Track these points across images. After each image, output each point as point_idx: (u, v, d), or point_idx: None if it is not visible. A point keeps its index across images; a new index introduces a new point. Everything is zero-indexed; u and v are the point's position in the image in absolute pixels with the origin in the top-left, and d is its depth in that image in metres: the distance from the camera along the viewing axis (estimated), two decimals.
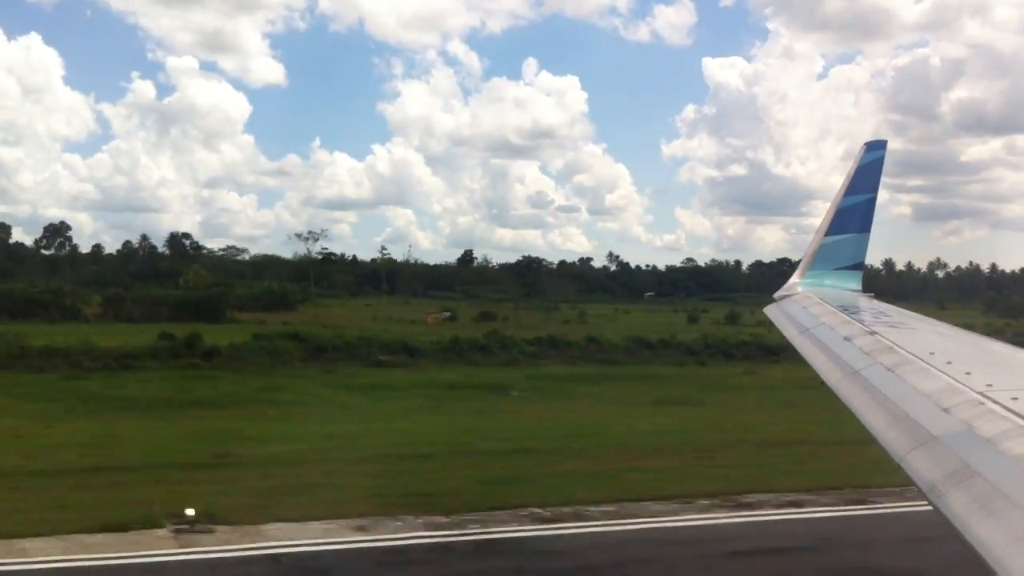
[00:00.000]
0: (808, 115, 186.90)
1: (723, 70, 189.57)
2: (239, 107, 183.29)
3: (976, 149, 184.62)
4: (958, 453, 3.96)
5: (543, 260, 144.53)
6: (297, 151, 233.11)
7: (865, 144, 11.68)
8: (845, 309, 7.73)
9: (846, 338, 6.18)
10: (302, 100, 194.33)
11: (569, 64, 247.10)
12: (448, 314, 77.54)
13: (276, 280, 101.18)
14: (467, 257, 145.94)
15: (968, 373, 4.70)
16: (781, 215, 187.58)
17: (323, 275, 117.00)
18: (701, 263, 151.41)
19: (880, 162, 11.40)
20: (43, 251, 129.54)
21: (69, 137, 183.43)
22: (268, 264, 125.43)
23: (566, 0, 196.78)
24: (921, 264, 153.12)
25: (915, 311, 8.72)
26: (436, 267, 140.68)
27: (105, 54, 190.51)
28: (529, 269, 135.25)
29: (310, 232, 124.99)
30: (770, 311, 10.06)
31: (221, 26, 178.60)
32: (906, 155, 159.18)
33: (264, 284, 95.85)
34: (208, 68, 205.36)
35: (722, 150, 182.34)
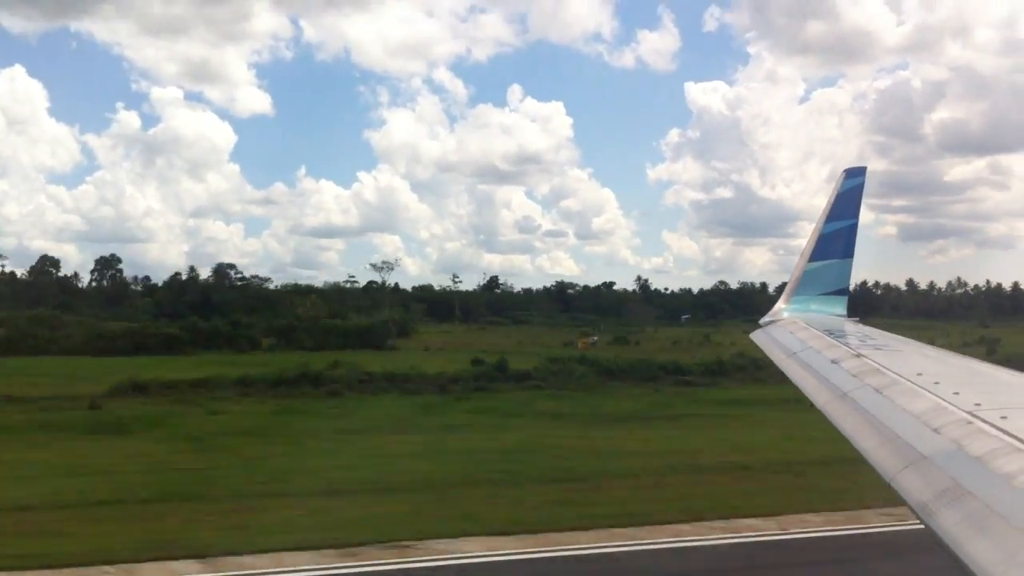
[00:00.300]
0: (792, 138, 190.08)
1: (706, 94, 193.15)
2: (225, 136, 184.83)
3: (960, 169, 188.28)
4: (948, 472, 3.97)
5: (575, 284, 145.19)
6: (284, 179, 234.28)
7: (844, 171, 11.81)
8: (831, 333, 7.77)
9: (833, 361, 6.20)
10: (288, 129, 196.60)
11: (554, 90, 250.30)
12: (595, 339, 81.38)
13: (353, 309, 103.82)
14: (492, 284, 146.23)
15: (956, 393, 4.72)
16: (768, 236, 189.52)
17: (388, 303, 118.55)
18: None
19: (860, 188, 11.53)
20: (93, 283, 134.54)
21: (55, 168, 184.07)
22: (347, 293, 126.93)
23: (550, 26, 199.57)
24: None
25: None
26: (471, 293, 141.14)
27: (90, 85, 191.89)
28: (564, 294, 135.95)
29: (384, 262, 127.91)
30: (756, 336, 10.09)
31: (207, 56, 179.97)
32: (890, 176, 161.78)
33: (385, 313, 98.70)
34: (194, 98, 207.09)
35: (707, 173, 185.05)
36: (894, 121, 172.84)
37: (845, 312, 10.90)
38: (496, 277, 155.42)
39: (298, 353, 64.70)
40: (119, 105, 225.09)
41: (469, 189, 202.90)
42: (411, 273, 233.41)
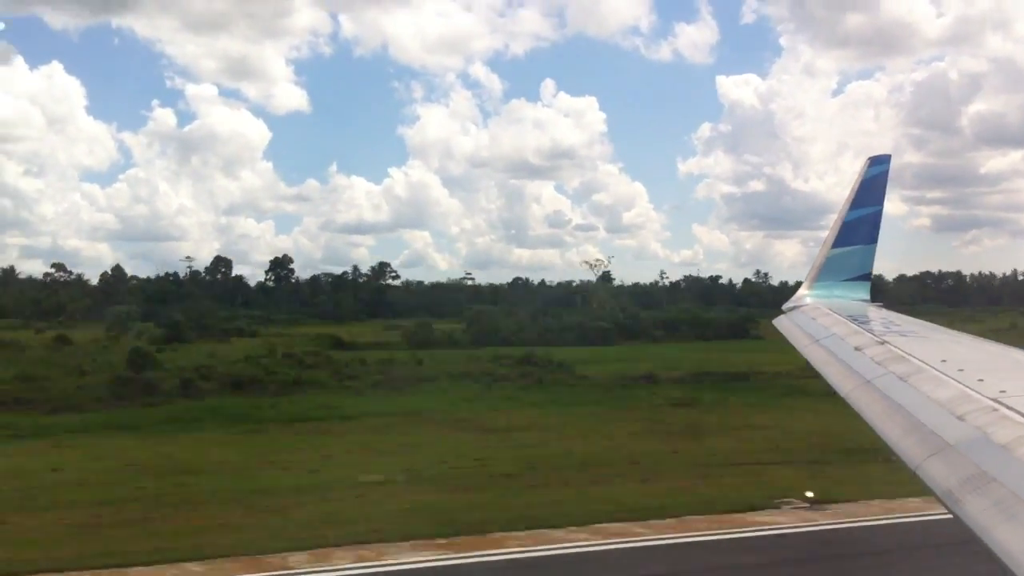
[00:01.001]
0: (826, 130, 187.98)
1: (739, 88, 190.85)
2: (259, 133, 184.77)
3: (995, 161, 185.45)
4: (973, 459, 3.97)
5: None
6: (316, 176, 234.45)
7: (869, 159, 11.77)
8: (854, 319, 7.75)
9: (857, 348, 6.19)
10: (322, 125, 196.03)
11: (587, 85, 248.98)
12: None
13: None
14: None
15: (981, 380, 4.71)
16: (799, 229, 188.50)
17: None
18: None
19: (884, 175, 11.49)
20: (267, 284, 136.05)
21: (92, 167, 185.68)
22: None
23: (588, 20, 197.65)
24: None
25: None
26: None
27: (128, 82, 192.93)
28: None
29: (597, 259, 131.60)
30: (779, 322, 10.08)
31: (247, 52, 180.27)
32: (925, 168, 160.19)
33: (680, 309, 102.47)
34: (231, 95, 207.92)
35: (739, 166, 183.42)
36: (930, 114, 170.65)
37: (868, 297, 10.87)
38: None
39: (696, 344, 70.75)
40: (155, 103, 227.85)
41: (499, 184, 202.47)
42: (440, 268, 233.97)
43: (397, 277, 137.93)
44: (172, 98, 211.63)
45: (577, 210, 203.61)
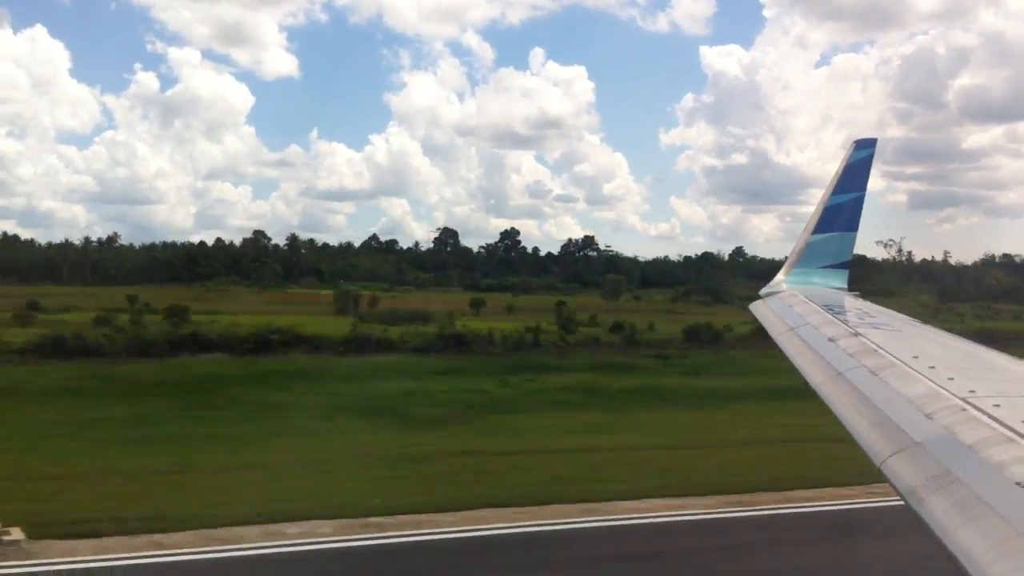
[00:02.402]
0: (811, 103, 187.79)
1: (722, 58, 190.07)
2: (244, 99, 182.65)
3: (977, 137, 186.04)
4: (939, 459, 3.96)
5: None
6: (299, 142, 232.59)
7: (855, 142, 11.68)
8: (830, 308, 7.74)
9: (830, 339, 6.18)
10: (310, 92, 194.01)
11: (577, 54, 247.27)
12: None
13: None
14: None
15: (951, 378, 4.70)
16: (777, 203, 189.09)
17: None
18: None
19: (869, 160, 11.41)
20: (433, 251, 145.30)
21: (75, 129, 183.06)
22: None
23: None
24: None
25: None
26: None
27: (117, 46, 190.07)
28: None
29: (890, 240, 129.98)
30: (756, 308, 10.06)
31: (241, 18, 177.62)
32: (907, 143, 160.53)
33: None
34: (222, 60, 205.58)
35: (721, 139, 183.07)
36: (916, 87, 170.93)
37: (846, 286, 10.85)
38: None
39: None
40: (137, 66, 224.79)
41: (481, 153, 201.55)
42: (417, 237, 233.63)
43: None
44: (157, 62, 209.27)
45: (557, 181, 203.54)
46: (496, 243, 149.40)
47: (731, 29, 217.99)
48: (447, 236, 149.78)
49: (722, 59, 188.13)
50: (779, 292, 10.21)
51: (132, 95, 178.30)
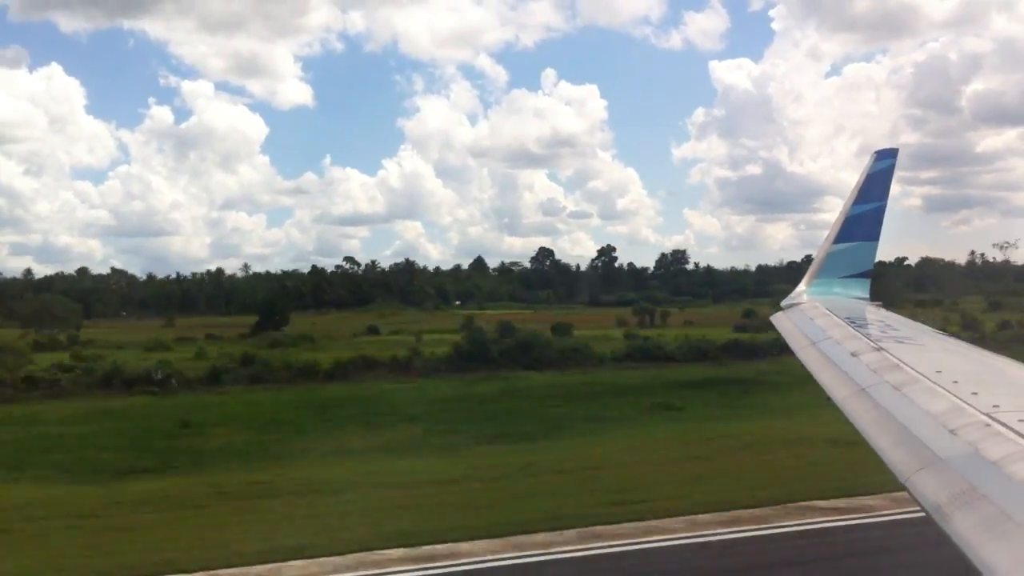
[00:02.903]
0: (825, 113, 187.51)
1: (733, 72, 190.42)
2: (258, 129, 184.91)
3: (991, 140, 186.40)
4: (964, 475, 3.97)
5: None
6: (314, 169, 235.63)
7: (876, 152, 11.67)
8: (852, 321, 7.73)
9: (853, 354, 6.18)
10: (324, 120, 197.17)
11: (589, 73, 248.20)
12: None
13: None
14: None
15: (975, 393, 4.70)
16: (792, 212, 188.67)
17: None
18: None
19: (891, 170, 11.39)
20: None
21: (92, 165, 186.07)
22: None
23: (598, 10, 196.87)
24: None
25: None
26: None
27: (132, 81, 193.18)
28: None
29: (1006, 243, 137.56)
30: (777, 320, 10.04)
31: (258, 51, 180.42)
32: (922, 148, 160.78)
33: None
34: (237, 92, 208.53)
35: (734, 151, 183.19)
36: (930, 93, 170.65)
37: (868, 296, 10.82)
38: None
39: None
40: (151, 100, 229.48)
41: (493, 173, 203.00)
42: (432, 257, 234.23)
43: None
44: (171, 96, 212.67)
45: (571, 197, 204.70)
46: (593, 260, 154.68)
47: (741, 43, 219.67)
48: (544, 256, 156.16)
49: (732, 73, 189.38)
50: (800, 304, 10.20)
51: (147, 129, 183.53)
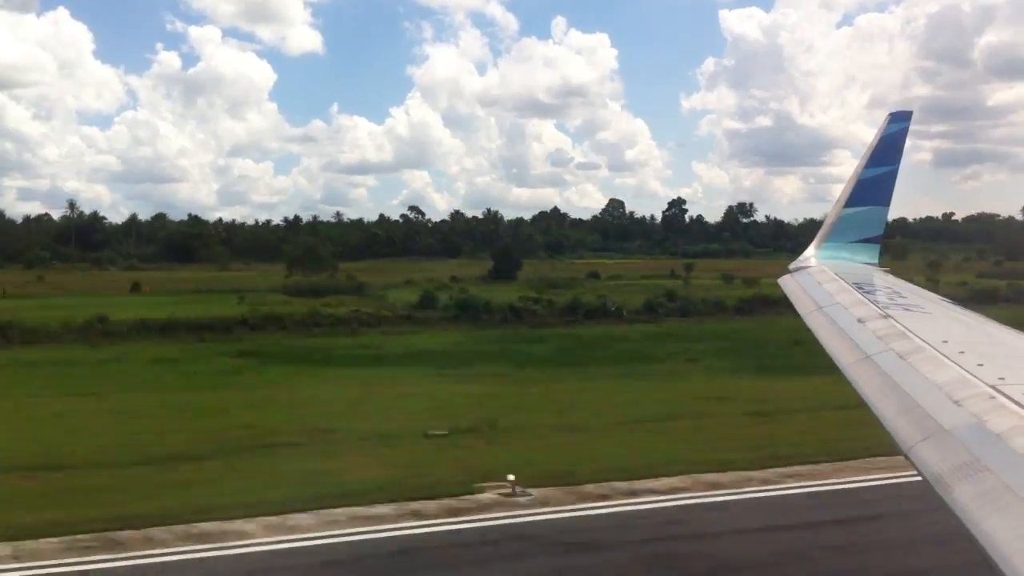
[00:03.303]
0: (836, 64, 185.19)
1: (743, 21, 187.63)
2: (273, 75, 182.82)
3: (1003, 94, 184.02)
4: (967, 447, 3.96)
5: None
6: (322, 116, 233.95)
7: (890, 114, 11.51)
8: (860, 287, 7.68)
9: (860, 320, 6.13)
10: (333, 66, 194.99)
11: (599, 21, 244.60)
12: None
13: None
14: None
15: (980, 364, 4.67)
16: (801, 165, 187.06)
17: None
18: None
19: (904, 133, 11.25)
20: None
21: (101, 110, 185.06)
22: None
23: None
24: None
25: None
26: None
27: (140, 27, 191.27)
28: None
29: None
30: (785, 283, 9.99)
31: None
32: (932, 101, 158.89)
33: None
34: (246, 38, 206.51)
35: (744, 102, 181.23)
36: (942, 45, 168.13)
37: (877, 261, 10.75)
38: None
39: None
40: (159, 46, 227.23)
41: (501, 123, 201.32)
42: (440, 207, 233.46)
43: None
44: (178, 42, 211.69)
45: (579, 148, 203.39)
46: (665, 211, 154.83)
47: None
48: (615, 207, 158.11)
49: (743, 22, 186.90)
50: (808, 267, 10.14)
51: (154, 75, 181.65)
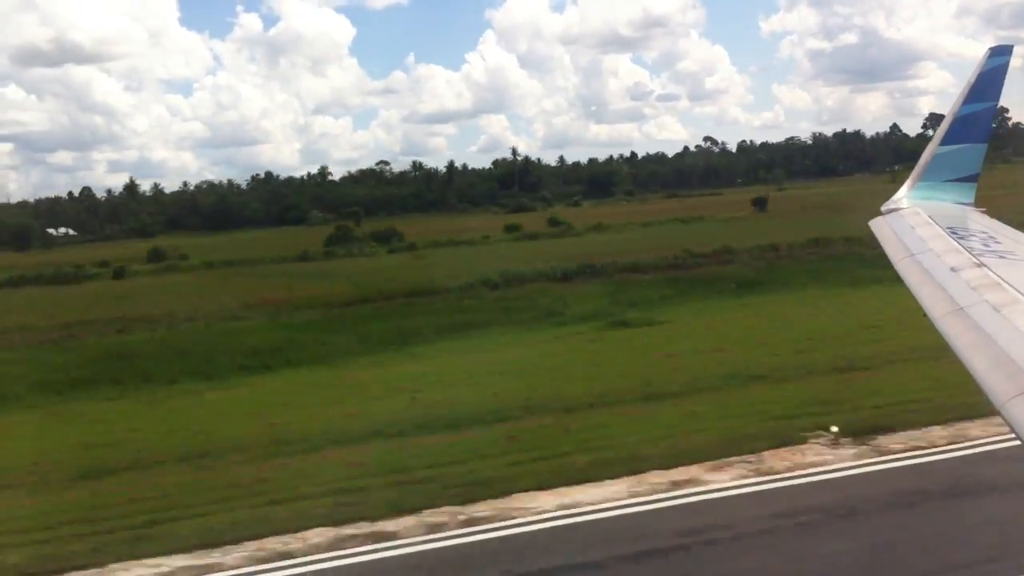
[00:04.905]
0: None
1: None
2: (352, 30, 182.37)
3: None
4: None
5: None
6: (401, 68, 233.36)
7: (989, 49, 11.03)
8: (954, 232, 7.49)
9: (952, 269, 6.02)
10: (412, 16, 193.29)
11: None
12: None
13: None
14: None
15: None
16: (886, 80, 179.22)
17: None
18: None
19: (1004, 68, 10.76)
20: None
21: (188, 77, 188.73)
22: None
23: None
24: None
25: None
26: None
27: None
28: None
29: None
30: (876, 226, 9.77)
31: None
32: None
33: None
34: None
35: (827, 19, 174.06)
36: None
37: (973, 201, 10.42)
38: None
39: None
40: (239, 8, 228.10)
41: (576, 62, 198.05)
42: (520, 150, 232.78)
43: None
44: (258, 3, 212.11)
45: (657, 80, 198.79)
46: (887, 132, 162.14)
47: None
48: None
49: None
50: (900, 209, 9.89)
51: (237, 38, 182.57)
